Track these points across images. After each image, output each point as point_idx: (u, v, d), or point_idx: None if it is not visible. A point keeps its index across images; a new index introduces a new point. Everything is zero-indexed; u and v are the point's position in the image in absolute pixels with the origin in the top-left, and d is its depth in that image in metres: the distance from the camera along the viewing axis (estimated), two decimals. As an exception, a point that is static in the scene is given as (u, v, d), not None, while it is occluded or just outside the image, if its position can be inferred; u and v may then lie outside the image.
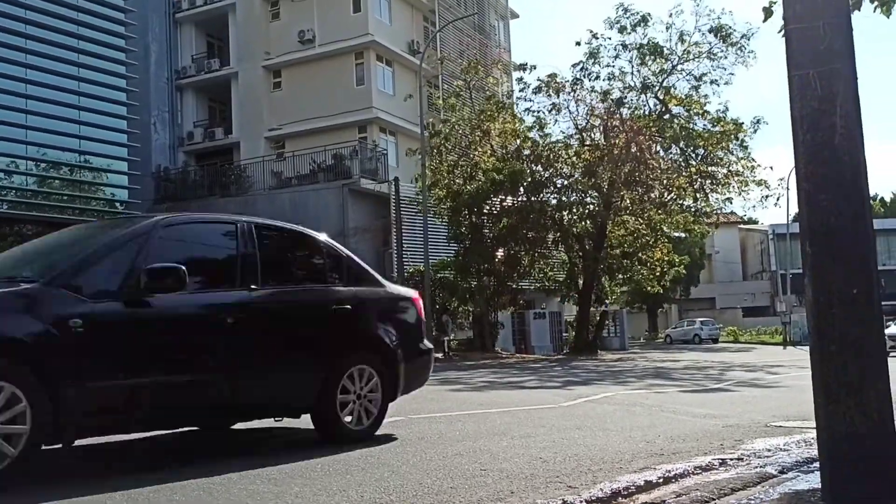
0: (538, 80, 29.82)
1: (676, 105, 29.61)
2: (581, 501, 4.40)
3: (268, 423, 8.31)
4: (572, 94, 29.71)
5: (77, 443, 5.26)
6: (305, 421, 8.30)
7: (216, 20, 38.41)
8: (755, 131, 29.02)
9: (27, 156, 26.80)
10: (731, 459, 5.74)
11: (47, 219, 27.51)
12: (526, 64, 30.12)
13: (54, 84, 27.14)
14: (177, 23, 38.41)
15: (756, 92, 73.37)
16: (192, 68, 38.19)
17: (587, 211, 30.36)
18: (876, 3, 5.16)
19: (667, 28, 29.03)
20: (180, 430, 7.03)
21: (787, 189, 32.78)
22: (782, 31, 4.31)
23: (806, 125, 3.87)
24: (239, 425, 8.14)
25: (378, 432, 7.25)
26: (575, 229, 30.17)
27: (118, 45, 29.63)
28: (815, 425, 4.00)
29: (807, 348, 4.31)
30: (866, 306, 3.77)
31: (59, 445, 5.10)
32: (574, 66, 29.56)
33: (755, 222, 66.25)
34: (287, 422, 8.30)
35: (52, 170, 27.73)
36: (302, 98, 35.57)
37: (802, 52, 3.88)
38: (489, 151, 29.97)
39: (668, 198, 30.54)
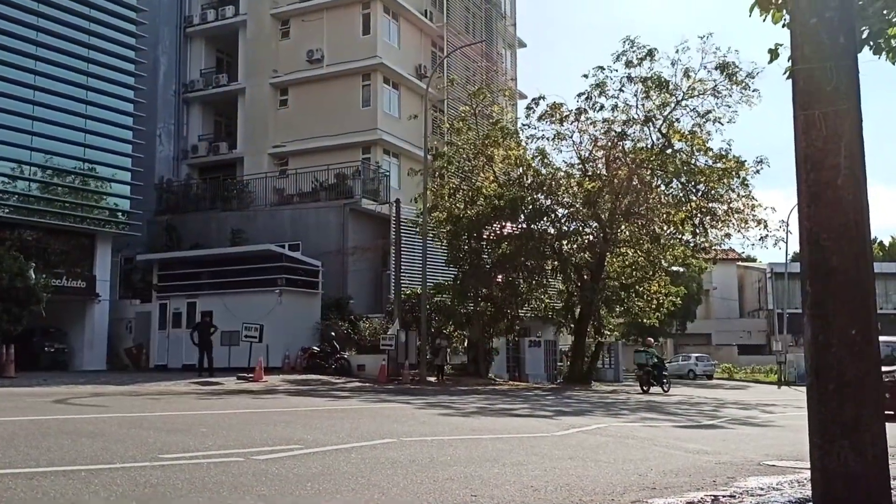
0: (545, 107, 29.90)
1: (679, 140, 29.69)
2: (572, 532, 4.37)
3: (254, 438, 8.27)
4: (576, 123, 29.88)
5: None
6: (295, 437, 8.27)
7: (226, 36, 38.69)
8: (758, 171, 29.11)
9: (31, 161, 26.86)
10: (724, 496, 5.71)
11: (48, 225, 27.56)
12: (538, 97, 30.26)
13: (62, 92, 27.28)
14: (187, 37, 38.69)
15: (759, 133, 74.04)
16: (199, 82, 38.40)
17: (586, 241, 30.39)
18: (872, 45, 5.22)
19: (672, 64, 29.14)
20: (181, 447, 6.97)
21: (789, 232, 32.83)
22: (787, 74, 4.36)
23: (810, 164, 3.90)
24: (229, 439, 8.10)
25: (369, 454, 7.21)
26: (574, 259, 30.17)
27: (128, 56, 29.82)
28: (808, 465, 3.99)
29: (802, 388, 4.32)
30: (865, 347, 3.78)
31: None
32: (579, 95, 29.72)
33: (754, 260, 66.29)
34: (277, 436, 8.26)
35: (57, 177, 27.79)
36: (307, 116, 35.74)
37: (809, 92, 3.93)
38: (491, 177, 30.07)
39: (667, 231, 30.59)
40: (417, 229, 28.99)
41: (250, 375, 21.74)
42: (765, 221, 29.22)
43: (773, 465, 7.76)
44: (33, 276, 23.10)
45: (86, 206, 28.61)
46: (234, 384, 20.39)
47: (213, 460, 6.58)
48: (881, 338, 6.01)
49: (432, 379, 25.86)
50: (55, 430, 8.57)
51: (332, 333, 27.62)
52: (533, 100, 30.67)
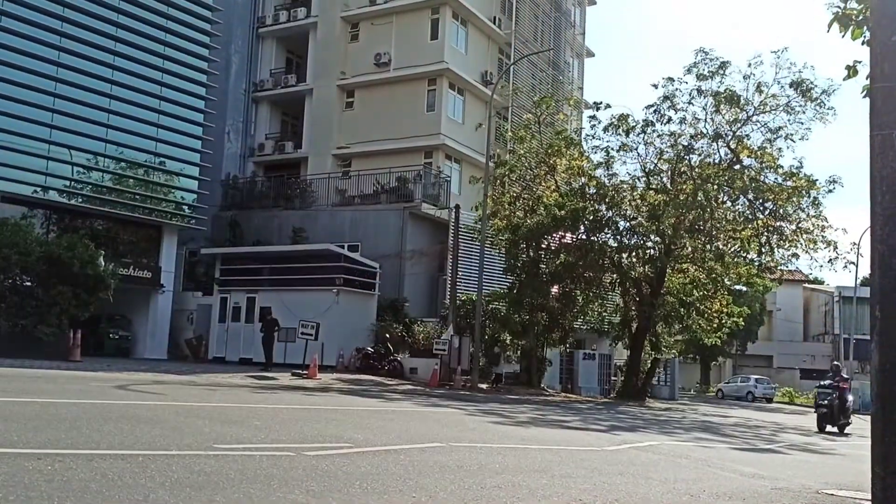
0: (611, 117, 29.53)
1: (748, 156, 29.01)
2: (618, 549, 4.31)
3: (305, 434, 8.36)
4: (643, 135, 29.45)
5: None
6: (346, 436, 8.33)
7: (297, 37, 39.39)
8: (830, 191, 28.12)
9: (105, 153, 27.77)
10: (778, 523, 5.55)
11: (118, 215, 28.44)
12: (600, 102, 29.97)
13: (138, 87, 28.16)
14: (259, 37, 39.53)
15: (830, 150, 71.85)
16: (269, 82, 39.18)
17: (647, 255, 29.90)
18: None
19: (744, 78, 28.51)
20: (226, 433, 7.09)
21: (860, 255, 31.63)
22: (865, 92, 4.23)
23: (885, 186, 3.78)
24: (281, 434, 8.22)
25: (417, 456, 7.23)
26: (633, 273, 29.73)
27: (202, 54, 30.63)
28: (869, 497, 3.85)
29: (866, 417, 4.16)
30: (935, 378, 3.64)
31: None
32: (647, 107, 29.27)
33: (821, 282, 64.36)
34: (328, 434, 8.35)
35: (129, 169, 28.67)
36: (372, 119, 36.10)
37: (887, 111, 3.80)
38: (553, 186, 29.89)
39: (732, 249, 29.88)
40: (476, 236, 28.98)
41: (305, 372, 22.05)
42: (835, 243, 28.22)
43: (832, 495, 7.51)
44: (102, 264, 23.85)
45: (154, 199, 29.44)
46: (289, 380, 20.70)
47: (265, 453, 6.69)
48: None
49: (483, 386, 25.81)
50: (116, 415, 8.83)
51: (387, 335, 27.82)
52: (595, 103, 30.34)
